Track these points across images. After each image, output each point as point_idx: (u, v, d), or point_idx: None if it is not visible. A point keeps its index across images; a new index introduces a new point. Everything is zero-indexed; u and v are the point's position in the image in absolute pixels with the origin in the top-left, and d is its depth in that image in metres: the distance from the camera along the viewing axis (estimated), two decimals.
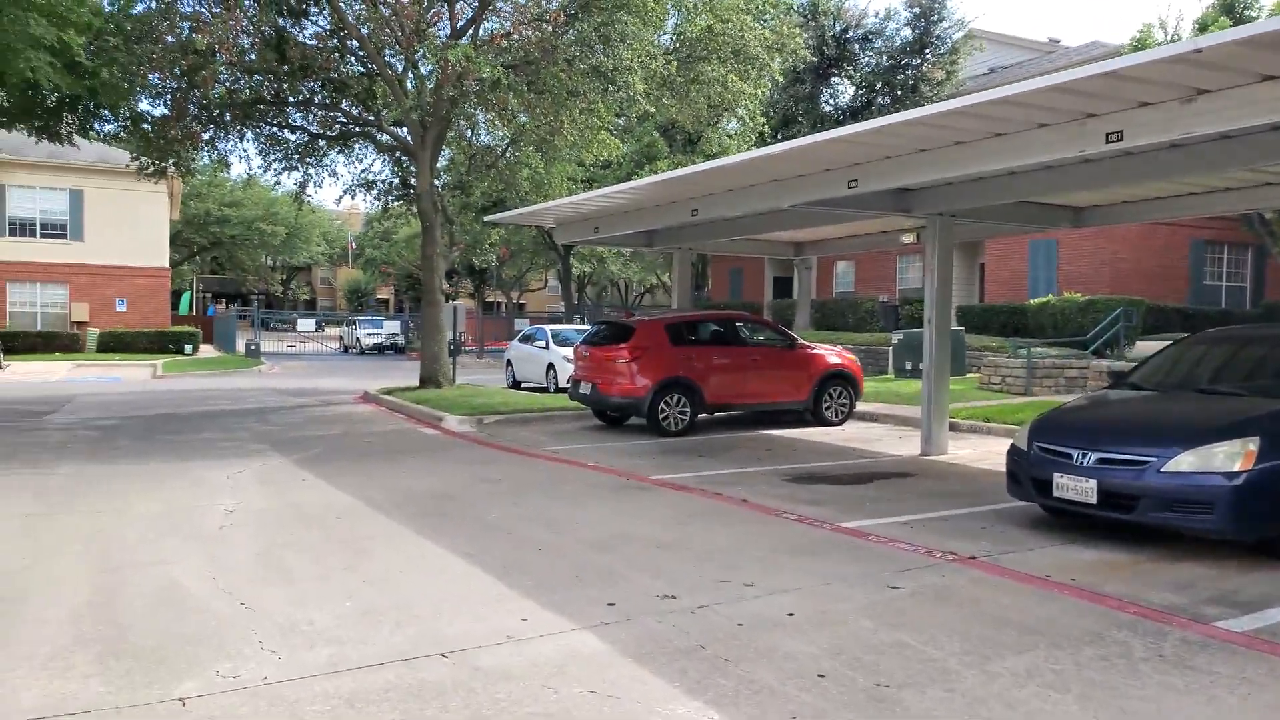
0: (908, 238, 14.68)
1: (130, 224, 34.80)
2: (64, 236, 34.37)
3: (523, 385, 21.32)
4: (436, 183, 19.98)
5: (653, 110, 16.48)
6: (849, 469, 10.28)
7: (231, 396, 19.87)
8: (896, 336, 19.70)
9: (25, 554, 6.34)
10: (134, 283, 35.53)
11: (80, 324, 34.05)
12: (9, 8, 12.65)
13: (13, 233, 33.58)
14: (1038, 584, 5.71)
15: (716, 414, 13.87)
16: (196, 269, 66.97)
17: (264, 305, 75.46)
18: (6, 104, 16.57)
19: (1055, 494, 6.76)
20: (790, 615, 5.09)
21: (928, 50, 28.44)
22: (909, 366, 18.90)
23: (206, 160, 19.54)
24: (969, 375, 18.98)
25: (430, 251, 18.61)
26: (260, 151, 20.15)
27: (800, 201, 10.10)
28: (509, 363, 22.57)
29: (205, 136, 18.39)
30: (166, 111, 17.48)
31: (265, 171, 20.37)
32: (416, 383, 18.83)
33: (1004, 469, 7.54)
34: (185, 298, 62.83)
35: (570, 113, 17.67)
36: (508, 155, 21.47)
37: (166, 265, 37.46)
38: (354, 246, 73.75)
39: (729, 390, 13.24)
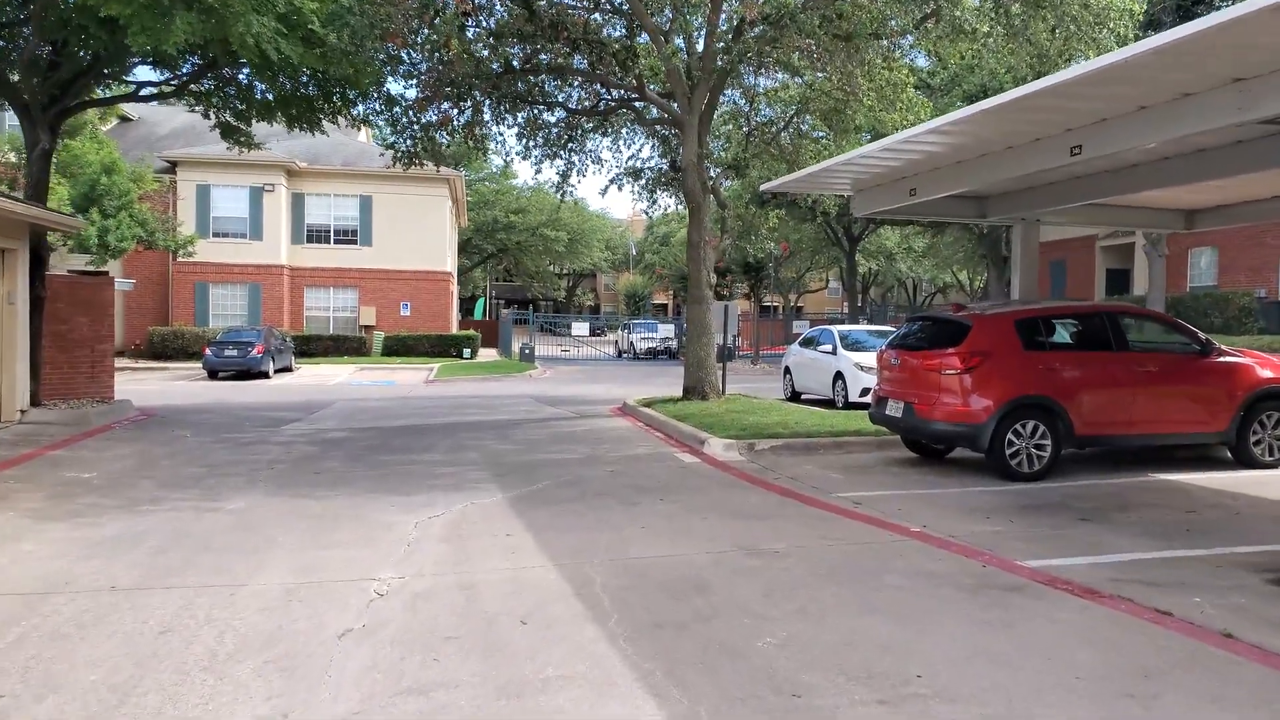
0: None
1: (414, 229, 35.39)
2: (354, 242, 35.51)
3: (803, 397, 18.21)
4: (708, 164, 17.14)
5: (992, 18, 12.39)
6: None
7: (487, 405, 18.39)
8: None
9: (23, 681, 4.01)
10: (417, 286, 36.11)
11: (368, 327, 34.99)
12: None
13: (310, 240, 35.13)
14: None
15: (1086, 449, 9.69)
16: (487, 275, 69.98)
17: (551, 310, 77.75)
18: (270, 97, 15.87)
19: None
20: None
21: None
22: None
23: (458, 142, 17.82)
24: None
25: (696, 238, 15.76)
26: (519, 136, 18.36)
27: None
28: (786, 370, 19.50)
29: (460, 120, 16.75)
30: (418, 94, 16.03)
31: (525, 159, 18.57)
32: (680, 392, 16.09)
33: None
34: (479, 304, 65.92)
35: (869, 64, 14.14)
36: (791, 129, 18.24)
37: (448, 269, 37.90)
38: (635, 252, 73.84)
39: (1109, 415, 9.07)
